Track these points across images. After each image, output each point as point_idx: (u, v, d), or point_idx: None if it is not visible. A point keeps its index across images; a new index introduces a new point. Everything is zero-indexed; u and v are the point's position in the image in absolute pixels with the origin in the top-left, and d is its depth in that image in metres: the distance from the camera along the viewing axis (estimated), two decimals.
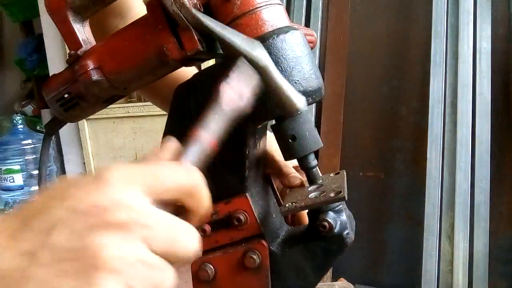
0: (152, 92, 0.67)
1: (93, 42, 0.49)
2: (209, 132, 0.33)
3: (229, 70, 0.34)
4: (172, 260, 0.29)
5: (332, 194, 0.41)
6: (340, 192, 0.41)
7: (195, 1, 0.40)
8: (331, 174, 0.50)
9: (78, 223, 0.27)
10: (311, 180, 0.47)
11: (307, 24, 1.82)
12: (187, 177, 0.31)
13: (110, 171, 0.29)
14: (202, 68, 0.50)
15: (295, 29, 0.42)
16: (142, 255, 0.28)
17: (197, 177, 0.32)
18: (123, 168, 0.30)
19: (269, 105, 0.41)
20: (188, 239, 0.30)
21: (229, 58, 0.42)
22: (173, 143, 0.34)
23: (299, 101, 0.40)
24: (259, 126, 0.46)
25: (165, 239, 0.29)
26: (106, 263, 0.26)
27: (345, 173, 0.49)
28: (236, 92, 0.34)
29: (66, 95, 0.49)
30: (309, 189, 0.46)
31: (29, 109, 2.88)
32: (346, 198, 0.40)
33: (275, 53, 0.40)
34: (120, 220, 0.27)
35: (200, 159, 0.33)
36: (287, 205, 0.43)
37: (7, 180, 2.22)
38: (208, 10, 0.42)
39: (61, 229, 0.27)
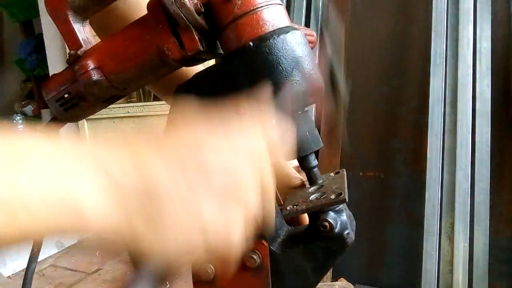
0: (165, 90, 0.67)
1: (93, 42, 0.49)
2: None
3: None
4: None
5: (332, 196, 0.41)
6: (341, 194, 0.41)
7: (196, 1, 0.40)
8: (331, 174, 0.50)
9: (240, 164, 0.32)
10: (312, 180, 0.47)
11: (307, 24, 1.82)
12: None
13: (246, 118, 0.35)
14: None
15: (295, 29, 0.42)
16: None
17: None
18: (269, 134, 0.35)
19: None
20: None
21: (229, 59, 0.42)
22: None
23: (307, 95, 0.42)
24: None
25: (268, 213, 0.35)
26: (248, 204, 0.32)
27: (345, 172, 0.49)
28: None
29: (66, 95, 0.49)
30: (309, 190, 0.46)
31: (29, 109, 2.88)
32: (347, 200, 0.40)
33: (275, 53, 0.40)
34: (269, 179, 0.34)
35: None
36: (288, 208, 0.43)
37: None
38: (208, 10, 0.42)
39: (224, 169, 0.32)
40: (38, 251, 0.55)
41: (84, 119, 1.90)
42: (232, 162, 0.32)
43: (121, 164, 0.30)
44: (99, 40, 0.48)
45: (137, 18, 0.45)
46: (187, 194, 0.30)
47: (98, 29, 0.59)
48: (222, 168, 0.32)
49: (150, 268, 0.31)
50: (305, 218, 0.54)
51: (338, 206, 0.44)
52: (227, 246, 0.31)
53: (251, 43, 0.40)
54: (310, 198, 0.44)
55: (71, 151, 0.30)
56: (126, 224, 0.29)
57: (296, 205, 0.43)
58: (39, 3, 2.18)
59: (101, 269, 2.04)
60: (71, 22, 0.47)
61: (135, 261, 0.30)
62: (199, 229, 0.30)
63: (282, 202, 0.55)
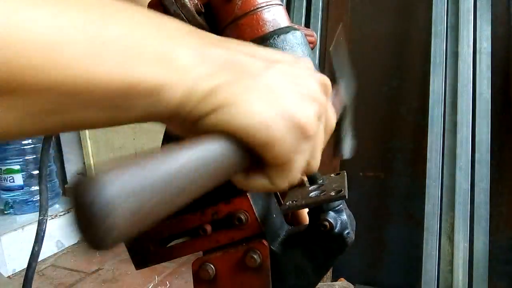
0: None
1: None
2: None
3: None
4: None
5: (332, 193, 0.41)
6: (341, 191, 0.41)
7: (196, 2, 0.40)
8: (332, 175, 0.50)
9: (309, 72, 0.35)
10: (312, 180, 0.47)
11: (307, 24, 1.82)
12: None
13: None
14: None
15: (296, 29, 0.42)
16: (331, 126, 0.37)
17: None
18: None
19: None
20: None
21: None
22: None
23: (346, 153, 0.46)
24: None
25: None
26: (319, 105, 0.33)
27: (345, 173, 0.49)
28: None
29: None
30: (309, 188, 0.46)
31: None
32: (347, 197, 0.40)
33: None
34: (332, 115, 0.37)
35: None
36: (287, 203, 0.43)
37: (7, 180, 2.22)
38: (209, 10, 0.42)
39: (295, 65, 0.34)
40: (39, 250, 0.55)
41: None
42: (302, 72, 0.34)
43: (201, 37, 0.31)
44: None
45: None
46: (262, 64, 0.32)
47: None
48: (295, 73, 0.33)
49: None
50: (305, 217, 0.55)
51: (338, 206, 0.44)
52: (305, 132, 0.31)
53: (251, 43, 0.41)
54: (310, 195, 0.44)
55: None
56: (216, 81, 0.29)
57: (295, 201, 0.43)
58: None
59: (101, 269, 2.04)
60: None
61: None
62: (280, 107, 0.30)
63: (282, 201, 0.55)
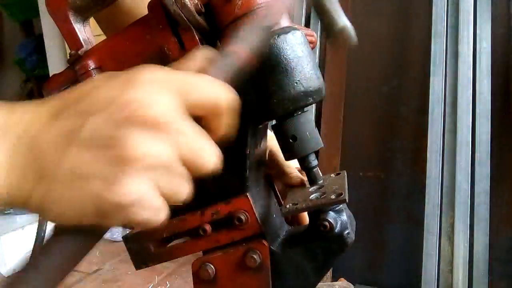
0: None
1: (94, 42, 0.49)
2: (244, 46, 0.32)
3: None
4: (192, 171, 0.30)
5: (333, 196, 0.41)
6: (341, 194, 0.41)
7: (196, 1, 0.40)
8: (332, 175, 0.50)
9: (117, 113, 0.28)
10: (312, 180, 0.47)
11: (307, 24, 1.82)
12: (218, 94, 0.31)
13: (148, 72, 0.30)
14: None
15: (296, 29, 0.42)
16: (171, 158, 0.28)
17: (226, 97, 0.31)
18: (160, 72, 0.30)
19: (270, 105, 0.41)
20: (211, 154, 0.30)
21: None
22: (202, 54, 0.34)
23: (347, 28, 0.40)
24: (260, 126, 0.47)
25: (192, 148, 0.29)
26: (138, 158, 0.27)
27: (345, 174, 0.49)
28: (273, 8, 0.34)
29: None
30: (310, 189, 0.46)
31: None
32: (347, 200, 0.40)
33: (276, 53, 0.40)
34: (157, 120, 0.28)
35: (231, 71, 0.32)
36: (287, 206, 0.43)
37: None
38: (209, 10, 0.42)
39: (99, 115, 0.28)
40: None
41: None
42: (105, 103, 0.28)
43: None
44: (100, 40, 0.48)
45: (142, 12, 0.45)
46: (61, 141, 0.28)
47: (103, 23, 0.60)
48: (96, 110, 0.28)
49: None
50: (305, 218, 0.55)
51: (338, 206, 0.44)
52: (120, 206, 0.27)
53: None
54: (310, 197, 0.44)
55: None
56: (18, 185, 0.29)
57: (296, 204, 0.43)
58: (39, 3, 2.17)
59: (101, 269, 2.04)
60: (72, 22, 0.47)
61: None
62: (83, 182, 0.28)
63: (282, 201, 0.55)
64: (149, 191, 0.28)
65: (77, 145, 0.28)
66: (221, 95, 0.31)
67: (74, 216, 0.29)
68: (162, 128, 0.28)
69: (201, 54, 0.34)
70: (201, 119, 0.31)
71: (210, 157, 0.30)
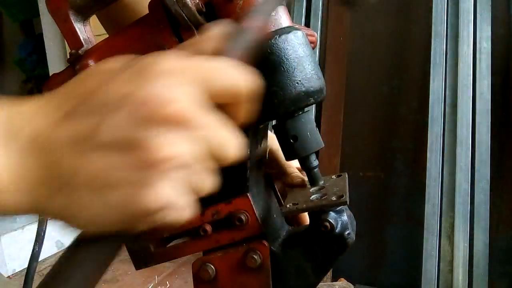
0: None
1: (94, 42, 0.49)
2: (260, 19, 0.31)
3: None
4: (218, 162, 0.29)
5: (334, 198, 0.41)
6: (342, 196, 0.41)
7: (197, 1, 0.40)
8: (333, 176, 0.50)
9: (136, 112, 0.26)
10: (312, 180, 0.47)
11: (307, 24, 1.82)
12: (241, 81, 0.29)
13: (162, 61, 0.28)
14: None
15: (297, 29, 0.42)
16: (197, 155, 0.27)
17: (249, 82, 0.29)
18: (175, 60, 0.28)
19: (271, 105, 0.41)
20: (235, 144, 0.29)
21: None
22: (220, 29, 0.31)
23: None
24: (261, 126, 0.46)
25: (217, 141, 0.28)
26: (165, 160, 0.25)
27: (347, 176, 0.49)
28: None
29: None
30: (310, 190, 0.46)
31: None
32: (348, 203, 0.40)
33: (277, 53, 0.40)
34: (180, 117, 0.26)
35: (249, 48, 0.31)
36: (288, 205, 0.43)
37: None
38: (210, 9, 0.42)
39: (117, 115, 0.26)
40: (39, 250, 0.55)
41: None
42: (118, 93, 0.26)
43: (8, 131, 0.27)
44: (100, 39, 0.48)
45: (144, 8, 0.45)
46: (77, 145, 0.26)
47: (105, 21, 0.59)
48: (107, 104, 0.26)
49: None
50: (306, 218, 0.54)
51: (338, 206, 0.44)
52: (147, 209, 0.26)
53: None
54: (311, 198, 0.44)
55: None
56: (31, 192, 0.27)
57: (296, 204, 0.43)
58: (39, 3, 2.17)
59: None
60: (72, 21, 0.47)
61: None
62: (108, 189, 0.26)
63: (282, 201, 0.55)
64: (179, 192, 0.27)
65: (96, 149, 0.26)
66: (242, 81, 0.29)
67: (101, 225, 0.27)
68: (185, 124, 0.26)
69: (217, 32, 0.31)
70: (223, 106, 0.29)
71: (235, 146, 0.29)
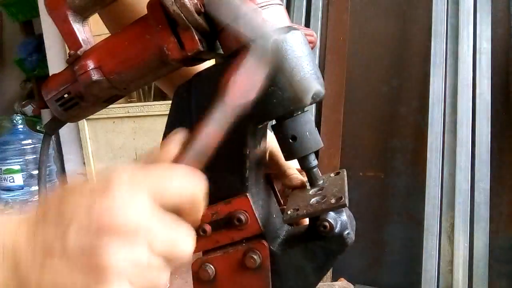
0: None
1: (93, 42, 0.49)
2: (215, 128, 0.34)
3: (237, 62, 0.35)
4: (170, 260, 0.32)
5: (333, 200, 0.41)
6: (341, 198, 0.41)
7: (196, 1, 0.40)
8: (332, 174, 0.50)
9: (91, 224, 0.30)
10: (312, 180, 0.47)
11: (307, 24, 1.82)
12: (192, 186, 0.33)
13: (119, 174, 0.31)
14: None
15: (295, 29, 0.42)
16: (145, 257, 0.30)
17: (200, 186, 0.33)
18: (132, 172, 0.32)
19: (270, 105, 0.41)
20: (186, 242, 0.33)
21: (232, 55, 0.41)
22: (176, 139, 0.35)
23: (308, 94, 0.41)
24: (260, 126, 0.46)
25: (166, 242, 0.31)
26: (114, 265, 0.29)
27: (345, 173, 0.49)
28: (244, 88, 0.34)
29: (65, 95, 0.49)
30: (309, 192, 0.46)
31: (29, 109, 2.88)
32: (347, 205, 0.40)
33: (276, 53, 0.40)
34: (130, 226, 0.30)
35: (203, 154, 0.34)
36: (289, 212, 0.43)
37: (7, 180, 2.22)
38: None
39: (76, 227, 0.30)
40: None
41: (84, 119, 1.90)
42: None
43: None
44: (99, 40, 0.48)
45: (143, 10, 0.45)
46: (41, 253, 0.30)
47: (106, 20, 0.59)
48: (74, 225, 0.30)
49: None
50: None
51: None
52: None
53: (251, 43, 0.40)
54: (311, 202, 0.44)
55: None
56: None
57: (297, 210, 0.43)
58: (39, 3, 2.17)
59: None
60: (71, 22, 0.47)
61: None
62: None
63: (282, 201, 0.55)
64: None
65: (58, 256, 0.29)
66: (195, 187, 0.33)
67: None
68: (135, 232, 0.30)
69: (175, 140, 0.35)
70: (178, 208, 0.33)
71: (186, 245, 0.32)
